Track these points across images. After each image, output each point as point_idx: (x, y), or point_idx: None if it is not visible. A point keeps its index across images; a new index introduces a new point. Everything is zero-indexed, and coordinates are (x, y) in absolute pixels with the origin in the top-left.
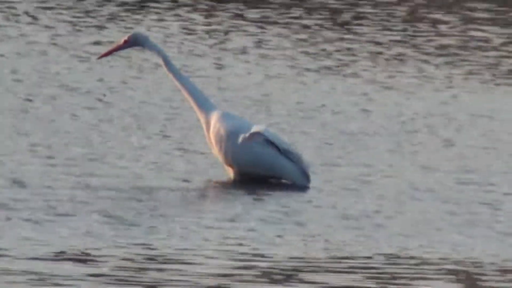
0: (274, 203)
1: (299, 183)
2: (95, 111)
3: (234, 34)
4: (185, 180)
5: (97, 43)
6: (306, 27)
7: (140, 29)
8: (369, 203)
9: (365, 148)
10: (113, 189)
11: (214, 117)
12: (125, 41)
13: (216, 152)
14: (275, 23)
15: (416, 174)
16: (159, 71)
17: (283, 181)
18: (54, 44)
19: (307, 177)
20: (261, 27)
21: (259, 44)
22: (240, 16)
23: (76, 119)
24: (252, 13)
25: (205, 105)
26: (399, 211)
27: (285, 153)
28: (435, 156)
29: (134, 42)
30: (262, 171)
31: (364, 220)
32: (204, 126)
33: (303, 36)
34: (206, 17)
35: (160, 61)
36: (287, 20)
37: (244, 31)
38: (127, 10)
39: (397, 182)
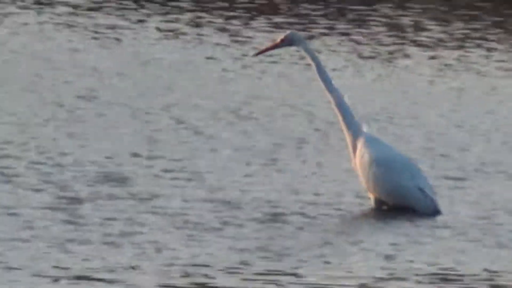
0: (403, 231)
1: (431, 214)
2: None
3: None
4: (313, 203)
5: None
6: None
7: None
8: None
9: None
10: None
11: (361, 141)
12: (282, 40)
13: (360, 175)
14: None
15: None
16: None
17: (416, 211)
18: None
19: (438, 210)
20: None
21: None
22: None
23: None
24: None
25: (352, 125)
26: None
27: (421, 188)
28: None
29: (290, 41)
30: (400, 201)
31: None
32: (349, 145)
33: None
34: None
35: (312, 67)
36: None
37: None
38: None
39: None
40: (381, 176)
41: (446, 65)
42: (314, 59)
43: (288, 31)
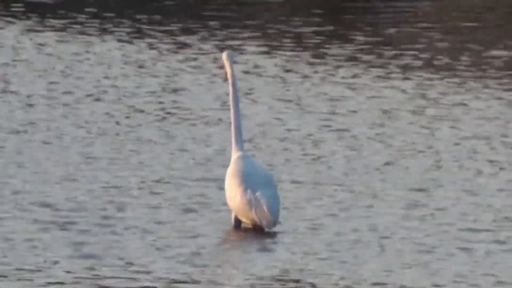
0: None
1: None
2: None
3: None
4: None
5: None
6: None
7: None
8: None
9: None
10: None
11: (233, 158)
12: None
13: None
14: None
15: None
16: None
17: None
18: None
19: (275, 222)
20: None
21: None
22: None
23: None
24: None
25: (239, 144)
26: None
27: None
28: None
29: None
30: (243, 214)
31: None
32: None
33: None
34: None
35: (229, 83)
36: None
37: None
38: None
39: None
40: (228, 189)
41: None
42: (233, 76)
43: (225, 52)
